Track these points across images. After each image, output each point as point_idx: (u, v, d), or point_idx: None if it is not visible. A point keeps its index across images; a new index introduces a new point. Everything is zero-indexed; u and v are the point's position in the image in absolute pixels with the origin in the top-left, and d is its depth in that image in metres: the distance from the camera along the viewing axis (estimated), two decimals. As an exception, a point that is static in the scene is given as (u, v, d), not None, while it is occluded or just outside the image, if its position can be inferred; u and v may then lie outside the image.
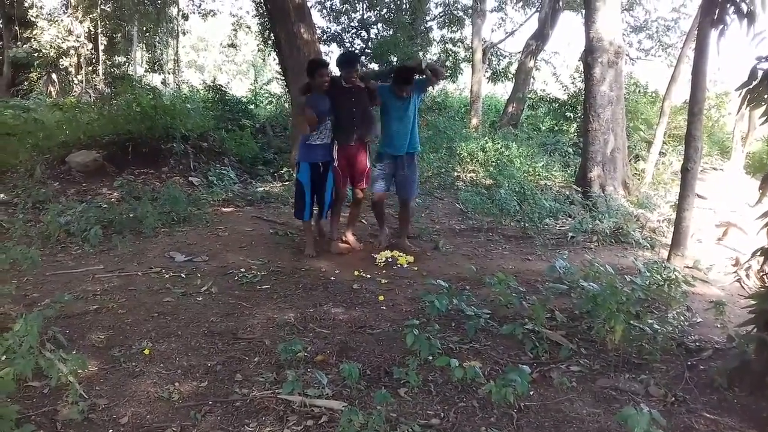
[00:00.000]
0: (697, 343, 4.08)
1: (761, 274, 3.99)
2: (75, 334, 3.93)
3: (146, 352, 3.71)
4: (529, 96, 18.55)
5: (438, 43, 21.29)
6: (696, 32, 6.39)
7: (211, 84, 16.46)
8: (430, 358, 3.52)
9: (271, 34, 14.94)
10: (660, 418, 2.68)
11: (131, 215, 7.03)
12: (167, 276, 5.27)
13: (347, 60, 6.29)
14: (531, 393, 3.28)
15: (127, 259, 5.79)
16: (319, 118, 5.73)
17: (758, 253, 3.72)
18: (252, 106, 16.65)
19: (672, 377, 3.57)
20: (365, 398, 3.20)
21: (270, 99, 19.04)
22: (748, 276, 4.88)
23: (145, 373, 3.45)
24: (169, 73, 25.35)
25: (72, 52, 19.58)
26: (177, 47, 26.22)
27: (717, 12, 4.48)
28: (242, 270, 5.50)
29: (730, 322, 4.11)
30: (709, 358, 3.83)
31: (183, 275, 5.30)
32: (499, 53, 22.67)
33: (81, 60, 19.97)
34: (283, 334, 4.08)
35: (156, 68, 24.42)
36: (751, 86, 3.66)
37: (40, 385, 3.16)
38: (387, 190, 6.31)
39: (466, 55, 20.94)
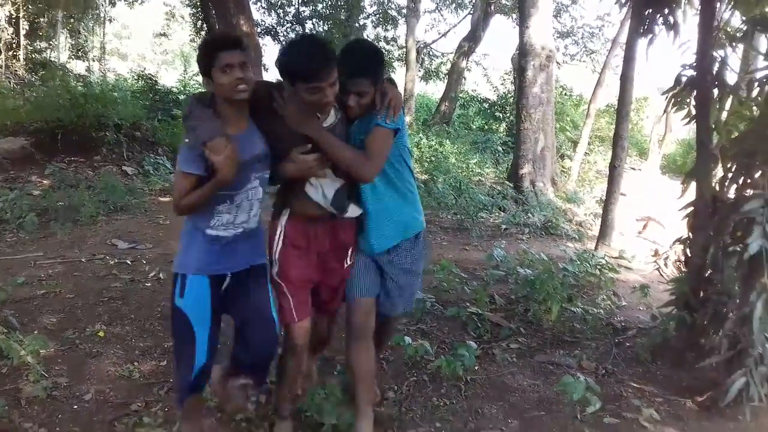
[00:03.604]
0: (623, 323, 4.48)
1: (678, 262, 4.39)
2: (26, 317, 3.90)
3: (101, 334, 3.73)
4: (461, 96, 19.03)
5: (372, 41, 21.51)
6: (622, 40, 6.84)
7: (141, 73, 16.05)
8: (382, 337, 3.70)
9: (204, 25, 14.72)
10: (595, 386, 3.02)
11: (67, 203, 6.89)
12: (112, 262, 5.24)
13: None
14: (476, 368, 3.53)
15: (67, 245, 5.70)
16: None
17: (677, 243, 4.12)
18: (183, 97, 16.34)
19: (602, 353, 3.92)
20: (321, 374, 3.34)
21: (201, 90, 18.70)
22: (666, 265, 5.30)
23: (102, 354, 3.48)
24: (93, 61, 24.45)
25: (-10, 36, 18.63)
26: (103, 34, 25.34)
27: (647, 22, 4.82)
28: (188, 257, 5.51)
29: (653, 305, 4.52)
30: (634, 336, 4.21)
31: (129, 262, 5.29)
32: (432, 53, 23.13)
33: (0, 45, 19.02)
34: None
35: (80, 55, 23.53)
36: (675, 91, 4.03)
37: (-2, 365, 3.16)
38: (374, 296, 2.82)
39: (399, 54, 21.27)
